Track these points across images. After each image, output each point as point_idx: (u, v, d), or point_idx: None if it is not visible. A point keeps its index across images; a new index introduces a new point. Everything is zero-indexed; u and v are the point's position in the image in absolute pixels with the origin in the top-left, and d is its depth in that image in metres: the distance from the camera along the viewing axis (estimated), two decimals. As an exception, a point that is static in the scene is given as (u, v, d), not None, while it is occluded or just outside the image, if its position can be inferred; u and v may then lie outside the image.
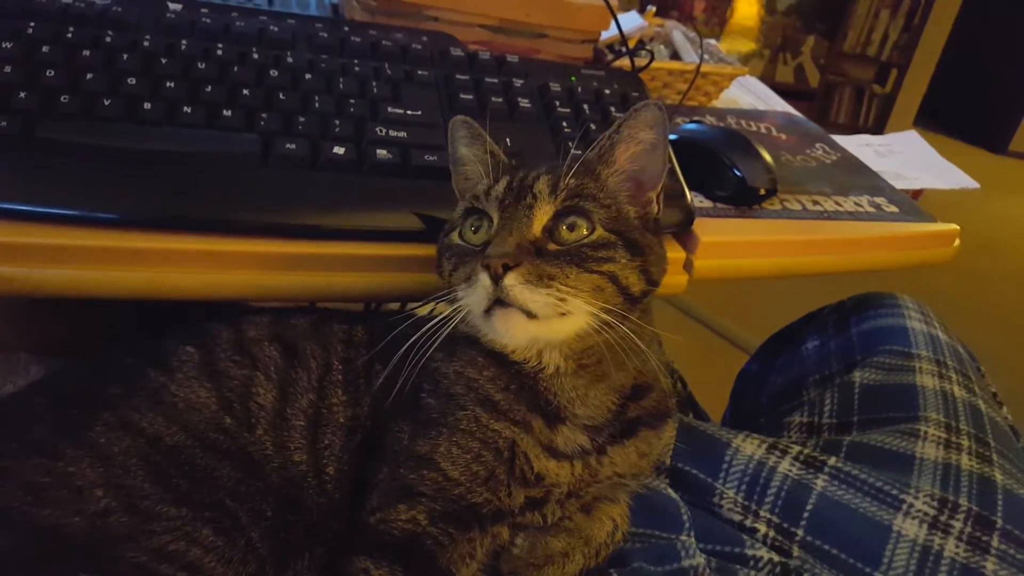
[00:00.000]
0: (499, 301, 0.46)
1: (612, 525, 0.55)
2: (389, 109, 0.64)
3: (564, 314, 0.46)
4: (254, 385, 0.52)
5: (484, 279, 0.46)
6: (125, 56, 0.59)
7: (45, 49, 0.57)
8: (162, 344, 0.54)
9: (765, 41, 3.27)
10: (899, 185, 0.91)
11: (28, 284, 0.50)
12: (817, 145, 0.96)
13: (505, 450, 0.50)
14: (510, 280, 0.45)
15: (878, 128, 3.44)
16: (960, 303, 2.44)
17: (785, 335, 0.90)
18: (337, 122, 0.61)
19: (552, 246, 0.49)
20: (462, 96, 0.68)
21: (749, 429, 0.80)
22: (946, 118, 4.06)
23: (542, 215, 0.49)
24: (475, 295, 0.47)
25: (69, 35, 0.59)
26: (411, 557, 0.48)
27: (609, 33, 0.90)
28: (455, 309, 0.48)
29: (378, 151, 0.60)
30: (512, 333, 0.47)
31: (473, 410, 0.51)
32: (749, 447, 0.61)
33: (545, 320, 0.46)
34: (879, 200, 0.85)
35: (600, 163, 0.53)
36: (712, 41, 1.08)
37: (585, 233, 0.49)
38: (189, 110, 0.57)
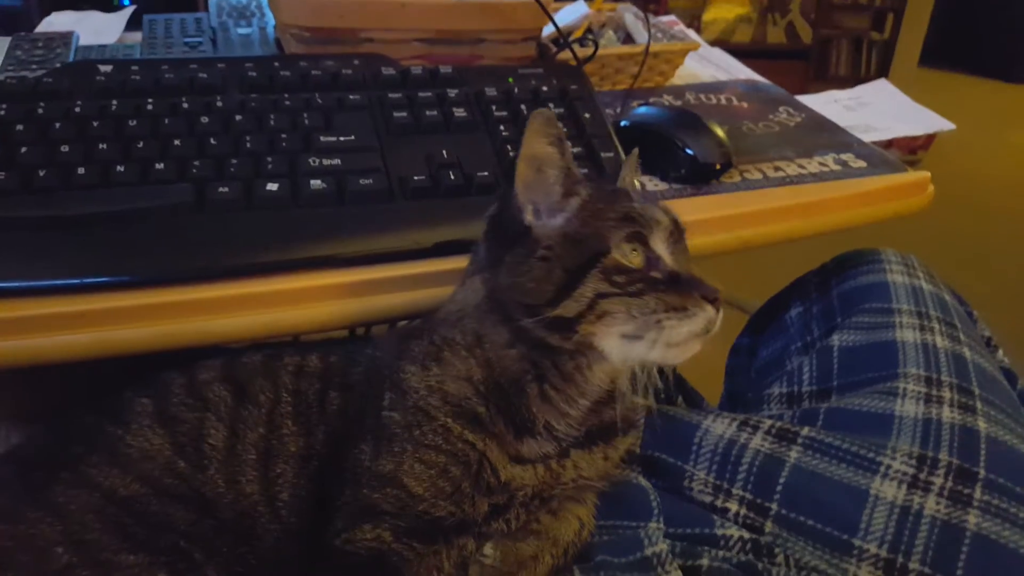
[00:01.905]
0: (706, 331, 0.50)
1: (578, 524, 0.54)
2: (321, 138, 0.64)
3: None
4: (205, 426, 0.53)
5: (711, 311, 0.50)
6: (57, 125, 0.61)
7: (-22, 130, 0.59)
8: (121, 398, 0.55)
9: (753, 4, 3.21)
10: (869, 138, 0.89)
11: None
12: (780, 109, 0.94)
13: (474, 463, 0.51)
14: (720, 310, 0.50)
15: (881, 76, 3.36)
16: (984, 242, 2.38)
17: (771, 306, 0.89)
18: (269, 159, 0.62)
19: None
20: (396, 115, 0.68)
21: (742, 406, 0.79)
22: (954, 55, 3.94)
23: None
24: (692, 324, 0.49)
25: (2, 112, 0.61)
26: (378, 575, 0.49)
27: (552, 28, 0.89)
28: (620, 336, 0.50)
29: (312, 182, 0.61)
30: (692, 351, 0.50)
31: (444, 422, 0.51)
32: (719, 427, 0.60)
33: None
34: (846, 157, 0.83)
35: None
36: (666, 18, 1.06)
37: None
38: (122, 169, 0.59)
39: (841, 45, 3.37)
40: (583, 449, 0.54)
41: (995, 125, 3.21)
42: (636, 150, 0.56)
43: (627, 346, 0.50)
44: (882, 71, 3.38)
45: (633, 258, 0.50)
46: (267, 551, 0.51)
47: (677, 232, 0.54)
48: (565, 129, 0.70)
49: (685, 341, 0.49)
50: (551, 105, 0.71)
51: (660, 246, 0.52)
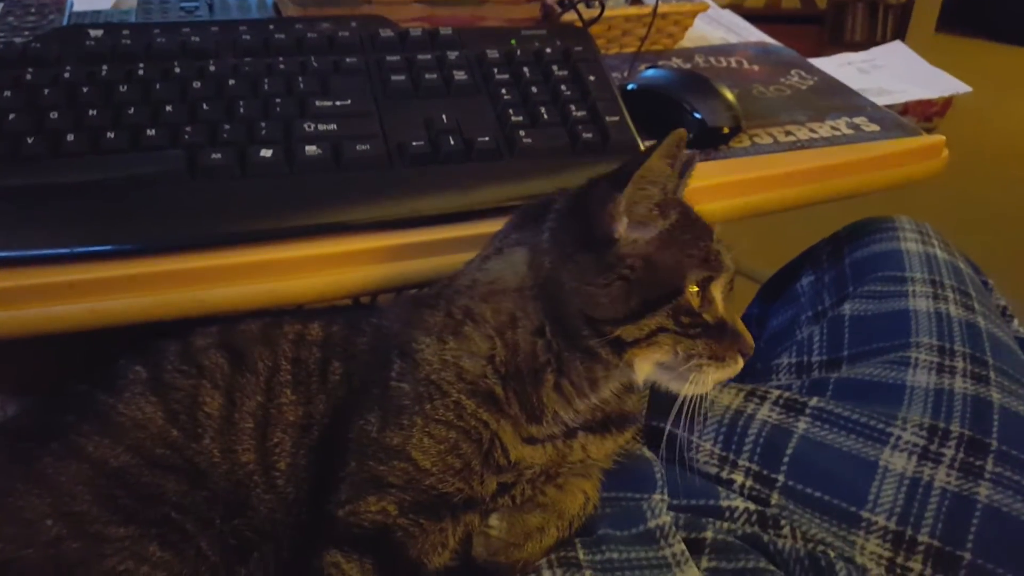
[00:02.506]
0: None
1: (584, 498, 0.53)
2: (317, 103, 0.63)
3: None
4: (200, 394, 0.51)
5: (740, 364, 0.52)
6: (46, 91, 0.59)
7: (-35, 96, 0.58)
8: (115, 367, 0.54)
9: (766, -33, 3.13)
10: (883, 101, 0.86)
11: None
12: (792, 72, 0.92)
13: (486, 442, 0.50)
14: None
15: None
16: (1001, 209, 2.33)
17: (783, 274, 0.87)
18: (263, 124, 0.60)
19: None
20: (394, 78, 0.66)
21: (749, 376, 0.77)
22: (971, 20, 3.85)
23: None
24: (722, 373, 0.51)
25: (-11, 79, 0.60)
26: (381, 548, 0.48)
27: (559, -12, 0.86)
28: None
29: (307, 148, 0.59)
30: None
31: (457, 398, 0.50)
32: (725, 398, 0.59)
33: None
34: (858, 120, 0.81)
35: None
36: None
37: None
38: (112, 135, 0.57)
39: (856, 9, 3.28)
40: (594, 434, 0.53)
41: (1014, 91, 3.14)
42: (693, 155, 0.55)
43: (657, 373, 0.51)
44: (898, 36, 3.29)
45: (695, 299, 0.50)
46: (261, 522, 0.50)
47: (731, 279, 0.53)
48: (570, 93, 0.68)
49: (709, 384, 0.51)
50: (555, 68, 0.69)
51: (717, 292, 0.51)
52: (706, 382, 0.50)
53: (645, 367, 0.50)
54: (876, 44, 3.24)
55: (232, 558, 0.49)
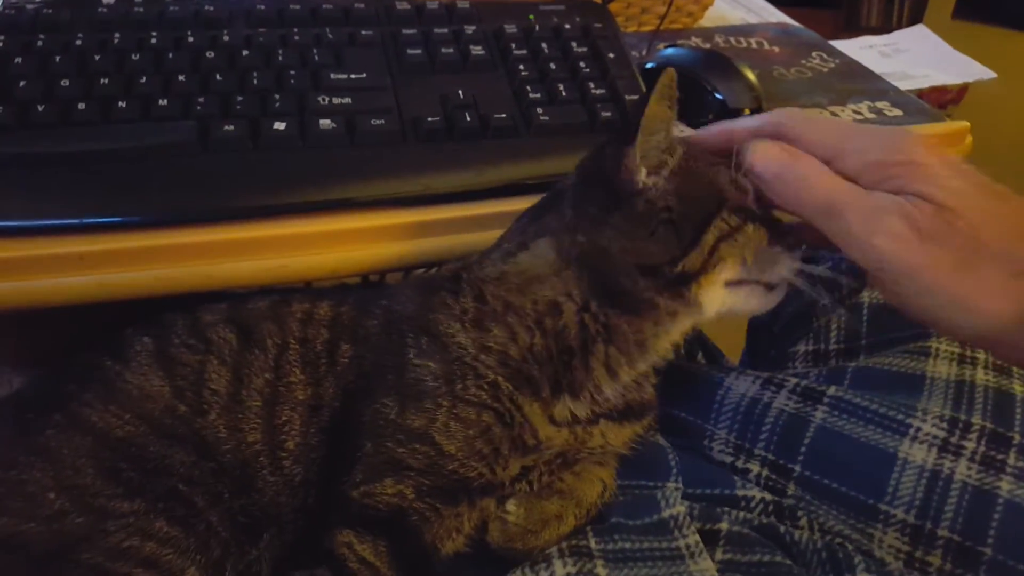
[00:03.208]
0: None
1: (601, 486, 0.53)
2: (331, 76, 0.61)
3: None
4: (207, 370, 0.51)
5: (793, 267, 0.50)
6: (57, 59, 0.58)
7: (-26, 63, 0.57)
8: (121, 337, 0.54)
9: (784, -50, 3.09)
10: (906, 85, 0.85)
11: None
12: (814, 54, 0.90)
13: (517, 425, 0.49)
14: None
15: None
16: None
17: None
18: (277, 96, 0.59)
19: None
20: (410, 52, 0.65)
21: (763, 364, 0.76)
22: (989, 7, 3.79)
23: None
24: (786, 265, 0.50)
25: (0, 44, 0.59)
26: (396, 531, 0.47)
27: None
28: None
29: (321, 122, 0.58)
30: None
31: (494, 379, 0.48)
32: (742, 385, 0.58)
33: None
34: (881, 105, 0.79)
35: None
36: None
37: None
38: (124, 105, 0.56)
39: (874, -6, 3.24)
40: (614, 422, 0.52)
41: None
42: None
43: (727, 295, 0.50)
44: (914, 22, 3.25)
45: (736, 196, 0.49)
46: (265, 505, 0.49)
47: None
48: (589, 70, 0.67)
49: (779, 283, 0.50)
50: (574, 44, 0.67)
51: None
52: (777, 279, 0.50)
53: (713, 294, 0.49)
54: (893, 30, 3.22)
55: (243, 536, 0.48)
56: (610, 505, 0.53)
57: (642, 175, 0.48)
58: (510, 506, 0.50)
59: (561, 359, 0.50)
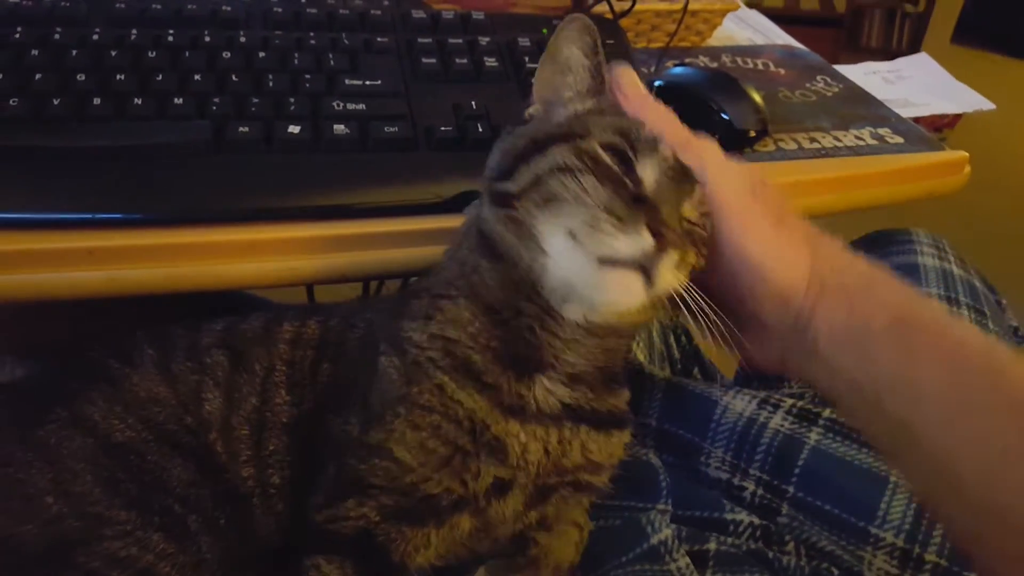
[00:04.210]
0: (639, 266, 0.41)
1: (578, 534, 0.51)
2: (347, 81, 0.62)
3: (659, 297, 0.43)
4: (203, 391, 0.51)
5: (647, 241, 0.41)
6: (74, 52, 0.58)
7: (-8, 52, 0.57)
8: (129, 340, 0.54)
9: (788, -32, 3.11)
10: (908, 113, 0.86)
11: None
12: (818, 77, 0.91)
13: (465, 421, 0.46)
14: (669, 258, 0.42)
15: (913, 50, 3.27)
16: (1012, 222, 2.34)
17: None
18: (292, 100, 0.59)
19: (686, 225, 0.46)
20: (424, 60, 0.65)
21: (758, 382, 0.77)
22: (987, 33, 3.83)
23: (689, 209, 0.46)
24: (619, 243, 0.41)
25: (17, 35, 0.59)
26: (362, 550, 0.46)
27: (589, -22, 0.85)
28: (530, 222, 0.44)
29: (335, 126, 0.58)
30: (626, 298, 0.42)
31: (440, 380, 0.46)
32: (739, 404, 0.59)
33: (651, 297, 0.43)
34: (883, 131, 0.80)
35: None
36: (704, -24, 1.02)
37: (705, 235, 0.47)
38: (139, 102, 0.57)
39: (875, 15, 3.27)
40: (596, 430, 0.49)
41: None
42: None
43: (567, 247, 0.42)
44: (914, 44, 3.28)
45: (609, 160, 0.44)
46: (260, 544, 0.49)
47: (678, 174, 0.46)
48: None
49: (612, 260, 0.41)
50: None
51: (648, 172, 0.45)
52: (608, 252, 0.41)
53: (553, 235, 0.43)
54: (892, 51, 3.25)
55: (229, 568, 0.48)
56: (594, 538, 0.52)
57: (532, 108, 0.50)
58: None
59: (501, 331, 0.47)
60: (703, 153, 0.48)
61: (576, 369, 0.47)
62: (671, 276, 0.42)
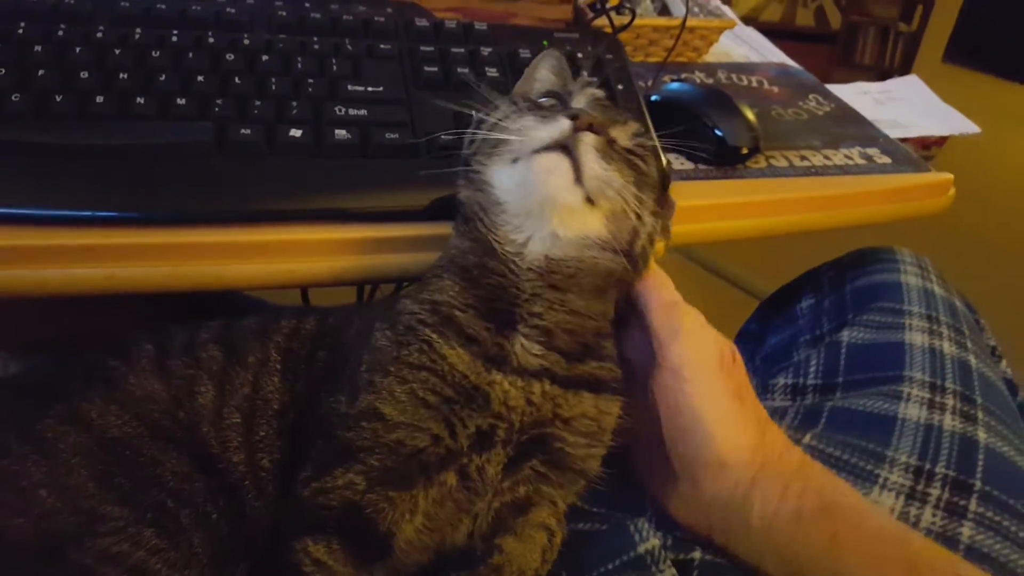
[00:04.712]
0: (561, 146, 0.46)
1: (546, 538, 0.50)
2: (349, 87, 0.63)
3: (598, 202, 0.47)
4: (197, 385, 0.51)
5: (564, 122, 0.46)
6: (77, 50, 0.59)
7: (-3, 47, 0.57)
8: (127, 340, 0.54)
9: (785, -18, 3.15)
10: (896, 134, 0.88)
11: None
12: (810, 96, 0.93)
13: (450, 373, 0.48)
14: (588, 138, 0.46)
15: (904, 68, 3.31)
16: (996, 244, 2.38)
17: (782, 294, 0.88)
18: (294, 104, 0.60)
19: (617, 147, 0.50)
20: (426, 68, 0.66)
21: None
22: (978, 53, 3.89)
23: (620, 134, 0.51)
24: (540, 132, 0.47)
25: (21, 31, 0.59)
26: (349, 526, 0.47)
27: (589, -9, 0.87)
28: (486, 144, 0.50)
29: (336, 131, 0.59)
30: (552, 178, 0.46)
31: (428, 335, 0.48)
32: None
33: (584, 193, 0.47)
34: (871, 151, 0.82)
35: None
36: (702, -8, 1.04)
37: (644, 166, 0.51)
38: (142, 101, 0.57)
39: (868, 33, 3.31)
40: (564, 388, 0.50)
41: (1011, 128, 3.19)
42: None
43: (507, 169, 0.49)
44: (906, 63, 3.32)
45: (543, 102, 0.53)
46: (250, 535, 0.49)
47: (607, 110, 0.53)
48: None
49: (539, 150, 0.47)
50: (584, 74, 0.69)
51: (579, 101, 0.53)
52: (534, 144, 0.47)
53: (497, 170, 0.50)
54: (885, 69, 3.29)
55: (220, 564, 0.48)
56: (580, 535, 0.53)
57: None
58: None
59: (475, 286, 0.50)
60: (684, 317, 0.52)
61: (547, 324, 0.50)
62: (597, 166, 0.46)
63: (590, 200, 0.47)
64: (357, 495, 0.46)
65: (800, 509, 0.48)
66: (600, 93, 0.54)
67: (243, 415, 0.51)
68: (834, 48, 3.27)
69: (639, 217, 0.49)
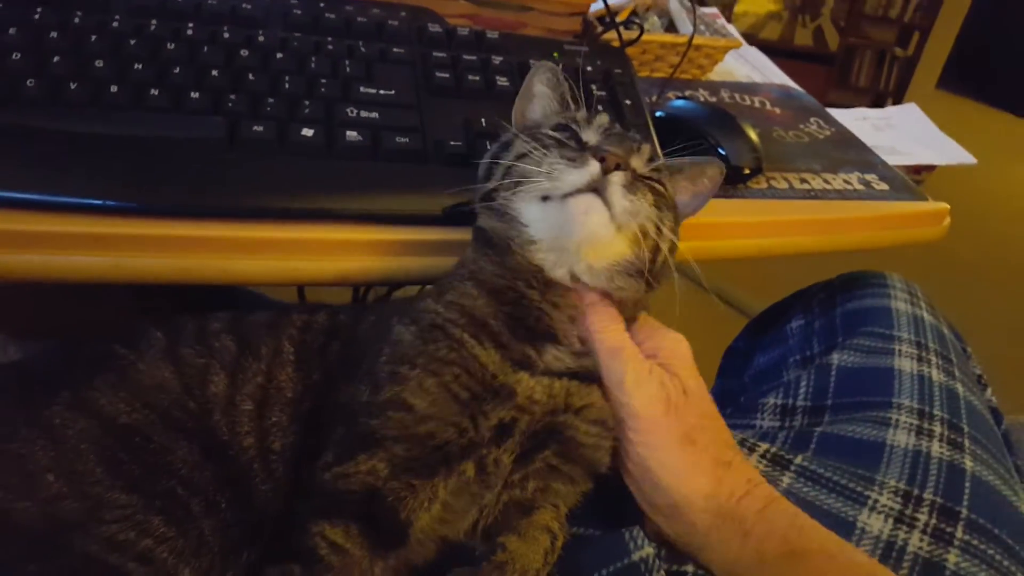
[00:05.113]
0: (593, 189, 0.48)
1: (549, 540, 0.51)
2: (361, 89, 0.63)
3: (626, 230, 0.49)
4: (209, 373, 0.52)
5: (593, 165, 0.48)
6: (93, 38, 0.59)
7: (11, 31, 0.57)
8: (134, 328, 0.55)
9: (785, 2, 3.18)
10: (894, 160, 0.89)
11: (-5, 270, 0.51)
12: (812, 119, 0.94)
13: (479, 371, 0.50)
14: (616, 177, 0.48)
15: (899, 92, 3.35)
16: (984, 271, 2.41)
17: (772, 313, 0.90)
18: (307, 103, 0.60)
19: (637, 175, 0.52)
20: (438, 74, 0.67)
21: (732, 407, 0.80)
22: (971, 81, 3.95)
23: (638, 162, 0.52)
24: (572, 176, 0.48)
25: (36, 16, 0.59)
26: (369, 512, 0.47)
27: (600, 5, 0.88)
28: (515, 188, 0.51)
29: (348, 133, 0.60)
30: (589, 220, 0.48)
31: (460, 335, 0.50)
32: None
33: (619, 230, 0.49)
34: (869, 177, 0.84)
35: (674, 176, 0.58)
36: (709, 10, 1.05)
37: (661, 188, 0.53)
38: (156, 93, 0.57)
39: (865, 56, 3.35)
40: (581, 381, 0.52)
41: (1002, 158, 3.24)
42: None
43: (539, 208, 0.50)
44: (901, 87, 3.37)
45: (559, 134, 0.53)
46: (258, 520, 0.50)
47: (619, 135, 0.54)
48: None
49: (572, 195, 0.48)
50: (593, 87, 0.70)
51: (590, 134, 0.53)
52: (565, 187, 0.49)
53: (526, 206, 0.51)
54: (879, 93, 3.33)
55: (228, 552, 0.48)
56: (574, 539, 0.53)
57: (512, 128, 0.57)
58: None
59: (505, 304, 0.52)
60: (626, 365, 0.51)
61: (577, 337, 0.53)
62: (626, 201, 0.48)
63: (618, 228, 0.49)
64: (379, 481, 0.47)
65: (762, 555, 0.47)
66: (606, 120, 0.56)
67: (255, 403, 0.51)
68: (831, 69, 3.31)
69: (660, 233, 0.51)
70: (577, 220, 0.49)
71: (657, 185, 0.52)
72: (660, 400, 0.50)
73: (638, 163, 0.52)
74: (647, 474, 0.51)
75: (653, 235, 0.50)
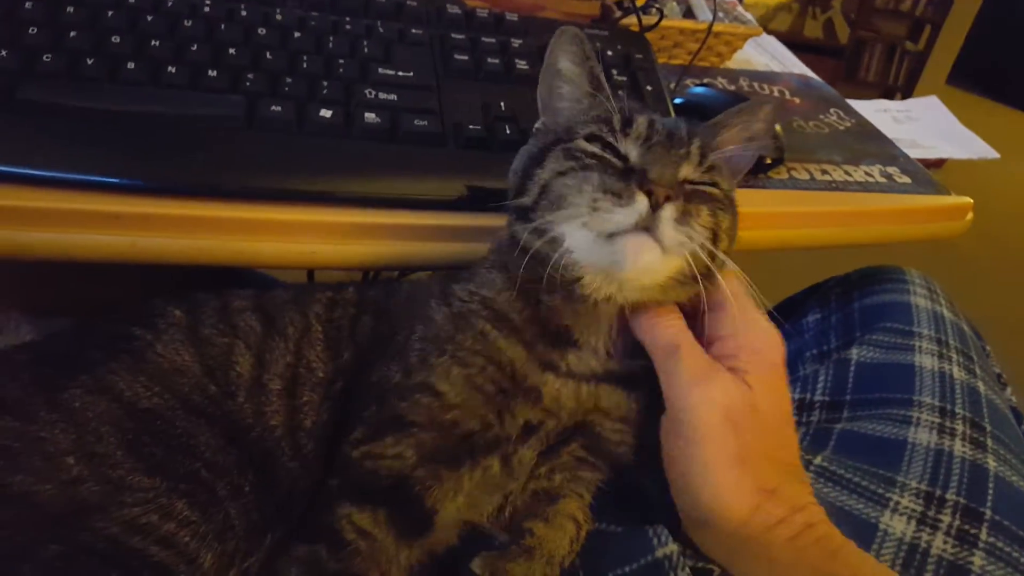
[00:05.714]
0: (643, 227, 0.44)
1: (574, 529, 0.51)
2: (380, 70, 0.62)
3: (679, 253, 0.46)
4: (234, 354, 0.51)
5: (641, 203, 0.44)
6: (110, 13, 0.58)
7: (28, 5, 0.56)
8: (150, 305, 0.54)
9: (795, -7, 3.16)
10: (915, 154, 0.88)
11: (11, 247, 0.50)
12: (832, 110, 0.93)
13: (507, 365, 0.49)
14: (667, 212, 0.44)
15: (908, 87, 3.33)
16: (990, 271, 2.40)
17: (787, 306, 0.89)
18: (325, 83, 0.59)
19: (688, 187, 0.48)
20: (456, 56, 0.66)
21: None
22: (981, 78, 3.92)
23: (688, 170, 0.49)
24: (619, 216, 0.44)
25: (53, -10, 0.58)
26: (395, 499, 0.47)
27: (618, -10, 0.86)
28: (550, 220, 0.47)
29: (366, 114, 0.59)
30: (640, 258, 0.45)
31: (484, 327, 0.50)
32: None
33: (669, 256, 0.46)
34: (891, 170, 0.82)
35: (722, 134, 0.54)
36: (728, -2, 1.03)
37: (717, 192, 0.50)
38: (173, 70, 0.56)
39: (875, 50, 3.33)
40: (614, 385, 0.51)
41: (1014, 155, 3.22)
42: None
43: (589, 240, 0.46)
44: (910, 82, 3.35)
45: (595, 148, 0.49)
46: (284, 500, 0.49)
47: (665, 138, 0.50)
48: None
49: (620, 234, 0.45)
50: (615, 72, 0.69)
51: (630, 146, 0.49)
52: (612, 227, 0.45)
53: (573, 233, 0.47)
54: (888, 87, 3.31)
55: (253, 535, 0.48)
56: (597, 535, 0.52)
57: (537, 124, 0.54)
58: (475, 566, 0.48)
59: (531, 305, 0.50)
60: (682, 363, 0.47)
61: (606, 354, 0.51)
62: (679, 235, 0.45)
63: (672, 254, 0.46)
64: (407, 468, 0.47)
65: None
66: (645, 126, 0.50)
67: (284, 383, 0.51)
68: (839, 62, 3.29)
69: (716, 241, 0.48)
70: (628, 258, 0.45)
71: (712, 189, 0.49)
72: (720, 410, 0.46)
73: (688, 170, 0.49)
74: (688, 481, 0.47)
75: (709, 246, 0.47)
